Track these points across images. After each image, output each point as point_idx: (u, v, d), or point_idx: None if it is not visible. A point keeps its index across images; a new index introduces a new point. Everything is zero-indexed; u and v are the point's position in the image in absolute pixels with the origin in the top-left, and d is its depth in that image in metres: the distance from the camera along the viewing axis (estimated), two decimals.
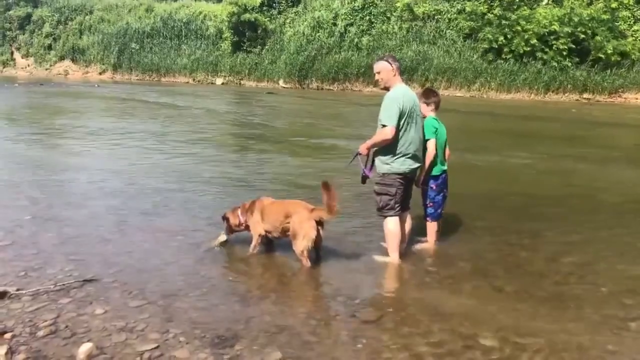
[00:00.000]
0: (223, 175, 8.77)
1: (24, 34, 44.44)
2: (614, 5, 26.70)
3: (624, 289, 4.55)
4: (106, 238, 5.56)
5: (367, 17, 31.62)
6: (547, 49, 26.72)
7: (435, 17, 30.13)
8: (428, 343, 3.59)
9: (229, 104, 23.30)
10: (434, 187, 5.39)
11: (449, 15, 29.78)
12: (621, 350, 3.57)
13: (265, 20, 33.89)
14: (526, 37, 26.69)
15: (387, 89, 4.96)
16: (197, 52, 36.27)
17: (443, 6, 30.02)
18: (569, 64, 26.46)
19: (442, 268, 5.07)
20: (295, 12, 34.59)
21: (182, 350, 3.40)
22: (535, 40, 26.62)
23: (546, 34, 26.59)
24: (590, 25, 26.21)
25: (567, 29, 26.12)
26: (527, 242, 5.78)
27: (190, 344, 3.48)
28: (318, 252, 5.05)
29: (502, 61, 27.60)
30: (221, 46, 35.76)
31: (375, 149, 4.99)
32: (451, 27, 29.62)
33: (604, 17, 26.37)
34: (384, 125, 4.77)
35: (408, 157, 4.90)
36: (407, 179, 5.03)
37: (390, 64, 4.92)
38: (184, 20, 38.02)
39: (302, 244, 4.82)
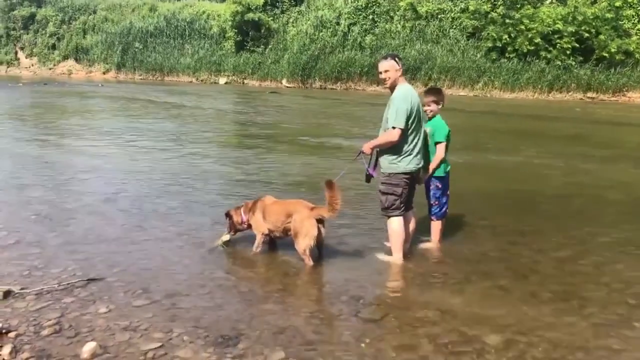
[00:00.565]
0: (229, 175, 8.79)
1: (28, 34, 44.48)
2: (618, 3, 26.61)
3: (628, 289, 4.53)
4: (110, 237, 5.57)
5: (371, 16, 31.58)
6: (550, 48, 26.67)
7: (439, 16, 30.07)
8: (432, 342, 3.58)
9: (236, 104, 23.31)
10: (439, 187, 5.39)
11: (452, 14, 29.72)
12: (626, 350, 3.55)
13: (269, 19, 33.86)
14: (530, 36, 26.63)
15: (392, 88, 4.95)
16: (201, 51, 36.25)
17: (446, 5, 29.96)
18: (573, 63, 26.40)
19: (446, 267, 5.07)
20: (298, 12, 34.55)
21: (186, 349, 3.40)
22: (539, 39, 26.56)
23: (550, 32, 26.53)
24: (594, 24, 26.15)
25: (571, 28, 26.05)
26: (531, 242, 5.77)
27: (193, 343, 3.48)
28: (320, 251, 5.05)
29: (505, 60, 27.55)
30: (224, 45, 35.76)
31: (380, 148, 4.98)
32: (454, 26, 29.57)
33: (608, 15, 26.30)
34: (393, 127, 4.75)
35: (414, 156, 4.89)
36: (413, 178, 5.02)
37: (397, 62, 4.91)
38: (187, 20, 38.00)
39: (304, 242, 4.83)
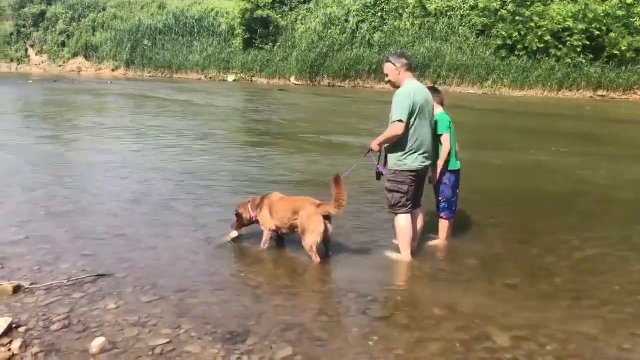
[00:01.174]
0: (239, 172, 8.80)
1: (38, 31, 44.82)
2: (629, 1, 26.38)
3: (639, 287, 4.50)
4: (119, 234, 5.59)
5: (379, 14, 31.54)
6: (560, 46, 26.52)
7: (448, 14, 29.98)
8: (440, 340, 3.57)
9: (247, 102, 23.37)
10: (448, 184, 5.36)
11: (461, 12, 29.62)
12: (637, 349, 3.52)
13: (277, 17, 33.90)
14: (540, 33, 26.50)
15: (398, 87, 4.93)
16: (209, 49, 36.37)
17: (456, 2, 29.86)
18: (583, 61, 26.24)
19: (454, 265, 5.05)
20: (307, 9, 34.56)
21: (194, 345, 3.41)
22: (549, 37, 26.43)
23: (560, 30, 26.37)
24: (605, 21, 25.97)
25: (582, 26, 25.88)
26: (539, 240, 5.74)
27: (202, 339, 3.49)
28: (327, 247, 5.05)
29: (515, 58, 27.44)
30: (233, 43, 35.84)
31: (387, 145, 4.97)
32: (464, 24, 29.47)
33: (619, 13, 26.10)
34: (395, 122, 4.75)
35: (420, 154, 4.87)
36: (419, 176, 4.99)
37: (394, 64, 4.88)
38: (196, 17, 38.14)
39: (311, 239, 4.84)
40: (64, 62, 43.34)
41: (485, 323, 3.80)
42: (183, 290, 4.22)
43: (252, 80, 33.91)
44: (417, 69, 25.12)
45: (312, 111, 19.00)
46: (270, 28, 33.84)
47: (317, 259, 4.87)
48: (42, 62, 44.52)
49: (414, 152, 4.84)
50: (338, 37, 31.58)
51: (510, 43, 27.27)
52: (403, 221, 4.96)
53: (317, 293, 4.52)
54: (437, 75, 28.05)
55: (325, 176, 6.88)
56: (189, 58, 36.87)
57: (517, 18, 27.05)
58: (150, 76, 37.53)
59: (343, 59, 30.49)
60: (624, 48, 25.57)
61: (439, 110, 5.30)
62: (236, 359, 3.27)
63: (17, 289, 4.09)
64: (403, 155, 4.85)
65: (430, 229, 5.57)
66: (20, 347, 3.32)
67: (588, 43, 26.09)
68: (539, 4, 27.49)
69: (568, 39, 26.27)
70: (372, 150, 5.02)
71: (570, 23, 26.11)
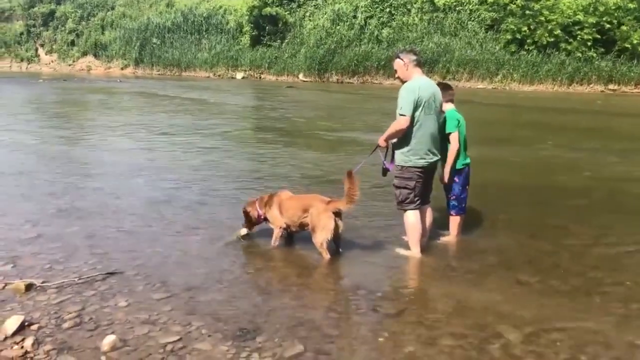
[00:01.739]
0: (249, 169, 8.82)
1: (47, 31, 45.07)
2: None
3: None
4: (129, 231, 5.62)
5: (388, 9, 31.39)
6: (571, 40, 26.26)
7: (457, 9, 29.78)
8: (451, 337, 3.55)
9: (258, 99, 23.38)
10: (457, 181, 5.33)
11: (470, 6, 29.41)
12: None
13: (285, 13, 33.85)
14: (550, 27, 26.24)
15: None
16: (218, 46, 36.35)
17: None
18: (594, 55, 25.96)
19: (464, 261, 5.02)
20: (315, 5, 34.47)
21: (205, 342, 3.42)
22: (559, 31, 26.18)
23: (570, 24, 26.12)
24: (616, 14, 25.68)
25: (592, 19, 25.61)
26: (550, 236, 5.70)
27: (212, 336, 3.50)
28: (338, 244, 5.04)
29: (524, 52, 27.20)
30: (241, 40, 35.83)
31: (394, 141, 4.95)
32: (473, 19, 29.27)
33: (631, 5, 25.80)
34: (399, 116, 4.74)
35: (426, 150, 4.85)
36: (427, 172, 4.96)
37: (402, 60, 4.88)
38: (204, 15, 38.14)
39: (321, 235, 4.84)
40: (74, 61, 43.54)
41: (497, 319, 3.78)
42: (193, 288, 4.23)
43: (260, 78, 33.88)
44: (426, 64, 24.97)
45: (322, 108, 18.95)
46: (279, 25, 33.78)
47: (327, 255, 4.86)
48: (52, 62, 44.76)
49: (420, 148, 4.82)
50: (346, 33, 31.48)
51: (520, 37, 27.03)
52: (412, 217, 4.94)
53: (327, 290, 4.52)
54: (446, 71, 27.88)
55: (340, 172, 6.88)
56: (197, 56, 36.88)
57: (527, 12, 26.81)
58: (159, 74, 37.63)
59: (351, 55, 30.39)
60: (635, 41, 25.26)
61: (448, 107, 5.27)
62: (246, 356, 3.28)
63: (29, 287, 4.12)
64: (409, 151, 4.83)
65: (441, 225, 5.55)
66: (33, 345, 3.34)
67: (599, 36, 25.80)
68: None
69: (578, 32, 26.00)
70: (379, 146, 5.01)
71: (580, 16, 25.85)
